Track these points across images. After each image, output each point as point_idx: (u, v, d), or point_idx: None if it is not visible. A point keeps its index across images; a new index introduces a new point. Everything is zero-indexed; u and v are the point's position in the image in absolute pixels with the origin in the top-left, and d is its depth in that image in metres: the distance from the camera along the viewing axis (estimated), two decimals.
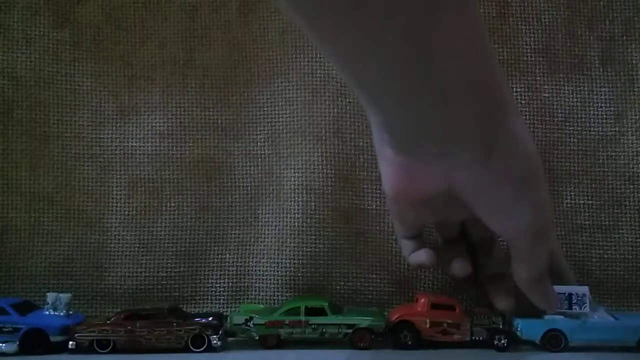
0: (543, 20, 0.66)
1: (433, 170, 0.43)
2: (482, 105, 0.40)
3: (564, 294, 0.55)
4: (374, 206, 0.65)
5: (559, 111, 0.65)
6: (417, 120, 0.40)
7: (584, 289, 0.55)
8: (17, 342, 0.57)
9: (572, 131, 0.65)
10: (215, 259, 0.66)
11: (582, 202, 0.65)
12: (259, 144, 0.67)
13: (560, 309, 0.55)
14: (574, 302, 0.55)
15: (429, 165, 0.43)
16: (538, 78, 0.65)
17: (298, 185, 0.64)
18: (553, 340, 0.55)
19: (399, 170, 0.45)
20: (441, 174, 0.43)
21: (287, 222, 0.64)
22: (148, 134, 0.66)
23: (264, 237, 0.65)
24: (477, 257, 0.58)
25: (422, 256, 0.56)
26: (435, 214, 0.51)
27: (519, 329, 0.56)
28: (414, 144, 0.42)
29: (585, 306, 0.55)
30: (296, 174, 0.64)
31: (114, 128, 0.66)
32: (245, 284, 0.65)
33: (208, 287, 0.66)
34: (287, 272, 0.63)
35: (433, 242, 0.61)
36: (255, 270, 0.65)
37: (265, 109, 0.66)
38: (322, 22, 0.34)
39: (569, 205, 0.65)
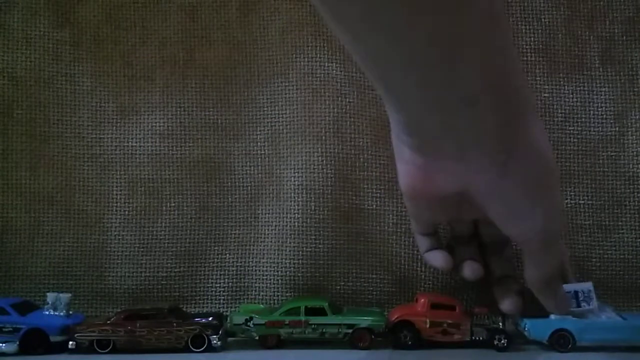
0: (543, 20, 0.66)
1: (450, 172, 0.43)
2: (504, 110, 0.40)
3: (570, 292, 0.55)
4: (374, 206, 0.65)
5: (559, 111, 0.65)
6: (438, 122, 0.40)
7: (589, 285, 0.55)
8: (17, 342, 0.57)
9: (572, 131, 0.65)
10: (215, 259, 0.66)
11: (582, 202, 0.65)
12: (259, 144, 0.66)
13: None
14: (580, 299, 0.55)
15: (446, 168, 0.43)
16: (538, 78, 0.65)
17: (298, 185, 0.64)
18: (561, 340, 0.55)
19: (415, 170, 0.45)
20: (457, 176, 0.43)
21: (287, 222, 0.64)
22: (148, 134, 0.66)
23: (264, 237, 0.65)
24: (486, 257, 0.58)
25: (438, 260, 0.56)
26: (450, 212, 0.51)
27: (526, 329, 0.56)
28: (432, 146, 0.42)
29: (592, 301, 0.55)
30: (296, 174, 0.64)
31: (114, 128, 0.66)
32: (245, 284, 0.65)
33: (208, 287, 0.66)
34: (287, 272, 0.63)
35: (446, 239, 0.60)
36: (255, 270, 0.65)
37: (265, 109, 0.66)
38: (348, 17, 0.34)
39: (569, 205, 0.65)
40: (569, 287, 0.55)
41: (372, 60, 0.38)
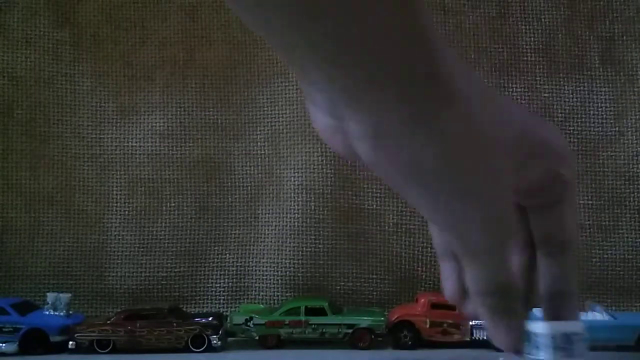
0: (543, 20, 0.66)
1: (334, 130, 0.33)
2: (376, 74, 0.26)
3: (536, 334, 0.33)
4: (374, 206, 0.65)
5: (559, 111, 0.65)
6: (305, 67, 0.30)
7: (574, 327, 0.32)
8: (17, 342, 0.57)
9: (572, 131, 0.65)
10: (215, 259, 0.66)
11: (582, 202, 0.65)
12: (259, 144, 0.66)
13: (534, 354, 0.33)
14: (558, 346, 0.32)
15: (330, 125, 0.34)
16: (538, 78, 0.65)
17: (298, 185, 0.64)
18: None
19: (313, 119, 0.35)
20: (341, 138, 0.33)
21: (287, 222, 0.64)
22: (148, 134, 0.66)
23: (264, 237, 0.65)
24: None
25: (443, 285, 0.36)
26: None
27: None
28: (311, 95, 0.32)
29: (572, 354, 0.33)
30: (296, 174, 0.64)
31: (114, 128, 0.66)
32: (245, 284, 0.65)
33: (208, 287, 0.66)
34: (287, 272, 0.63)
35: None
36: (255, 270, 0.65)
37: (265, 109, 0.66)
38: None
39: None
40: (541, 327, 0.32)
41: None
